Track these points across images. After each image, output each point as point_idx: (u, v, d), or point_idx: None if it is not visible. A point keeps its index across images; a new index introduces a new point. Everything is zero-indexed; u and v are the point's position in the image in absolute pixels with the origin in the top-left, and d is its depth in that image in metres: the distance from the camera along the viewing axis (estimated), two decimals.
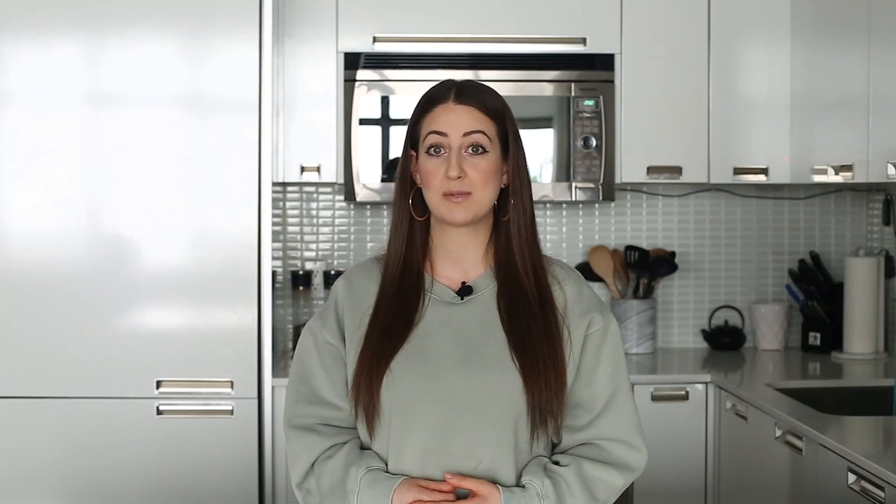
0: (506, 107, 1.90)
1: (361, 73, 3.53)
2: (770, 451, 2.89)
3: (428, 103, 1.88)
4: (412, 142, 1.90)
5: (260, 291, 3.17)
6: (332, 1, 3.56)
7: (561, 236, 3.95)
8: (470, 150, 1.84)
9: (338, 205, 3.91)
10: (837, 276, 3.89)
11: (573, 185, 3.56)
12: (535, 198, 1.95)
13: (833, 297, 3.81)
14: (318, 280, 3.84)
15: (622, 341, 2.01)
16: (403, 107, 3.54)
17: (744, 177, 3.67)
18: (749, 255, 3.99)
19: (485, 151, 1.85)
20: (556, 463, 1.86)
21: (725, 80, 3.64)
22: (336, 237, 3.92)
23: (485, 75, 3.52)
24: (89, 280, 3.14)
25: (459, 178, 1.82)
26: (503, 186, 1.89)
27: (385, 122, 3.57)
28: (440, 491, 1.78)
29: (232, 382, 3.16)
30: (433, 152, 1.85)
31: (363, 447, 1.88)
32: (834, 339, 3.77)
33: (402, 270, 1.89)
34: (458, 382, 1.81)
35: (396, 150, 3.53)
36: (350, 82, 3.53)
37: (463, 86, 1.88)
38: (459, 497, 1.79)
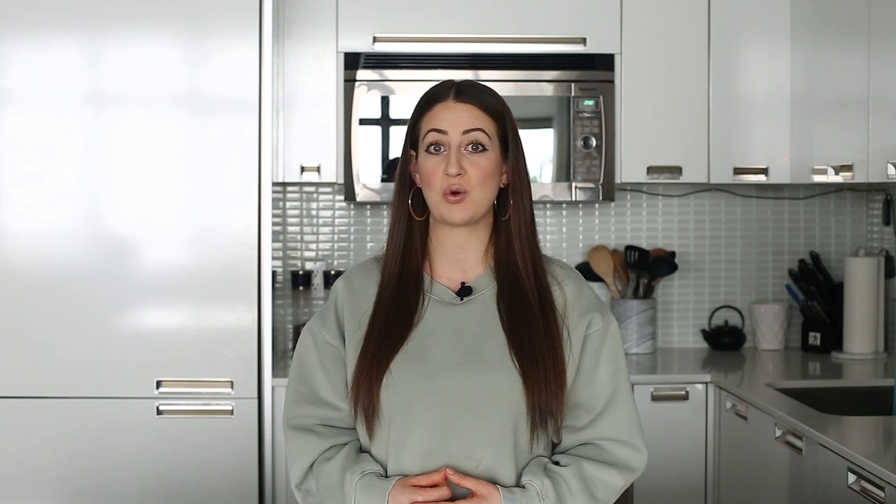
0: (505, 107, 1.90)
1: (361, 73, 3.53)
2: (770, 451, 2.89)
3: (428, 102, 1.88)
4: (412, 141, 1.90)
5: (260, 291, 3.17)
6: (332, 1, 3.56)
7: (561, 236, 3.95)
8: (470, 147, 1.84)
9: (338, 205, 3.91)
10: (837, 276, 3.89)
11: (573, 185, 3.56)
12: (534, 198, 1.96)
13: (833, 297, 3.81)
14: (318, 280, 3.84)
15: (622, 341, 2.01)
16: (403, 107, 3.54)
17: (744, 177, 3.67)
18: (749, 255, 3.99)
19: (484, 150, 1.85)
20: (556, 463, 1.86)
21: (725, 80, 3.64)
22: (336, 237, 3.92)
23: (485, 75, 3.52)
24: (89, 280, 3.14)
25: (459, 174, 1.82)
26: (503, 186, 1.89)
27: (385, 122, 3.57)
28: (434, 485, 1.78)
29: (232, 382, 3.16)
30: (433, 150, 1.85)
31: (362, 449, 1.88)
32: (834, 339, 3.77)
33: (400, 271, 1.89)
34: (457, 383, 1.81)
35: (396, 150, 3.53)
36: (350, 82, 3.53)
37: (462, 85, 1.89)
38: (458, 497, 1.79)
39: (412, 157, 1.90)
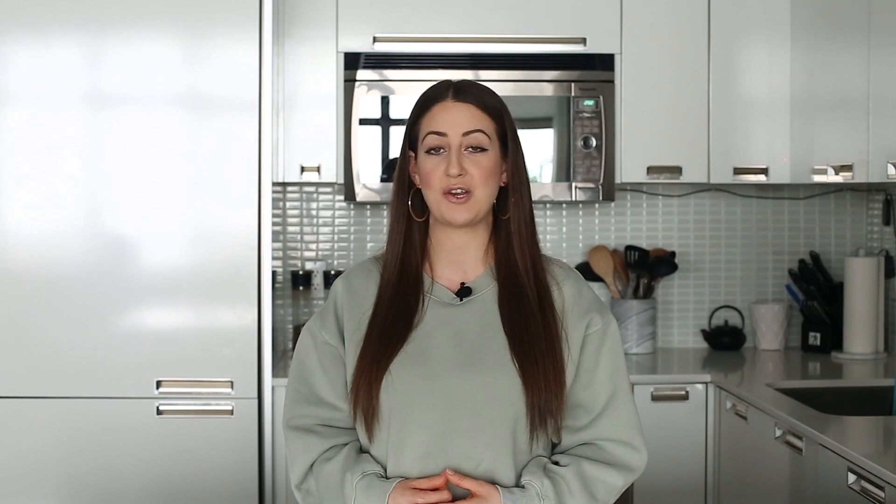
0: (504, 106, 1.90)
1: (361, 73, 3.53)
2: (770, 451, 2.89)
3: (426, 103, 1.88)
4: (410, 142, 1.90)
5: (260, 291, 3.17)
6: (332, 1, 3.56)
7: (561, 236, 3.95)
8: (470, 148, 1.84)
9: (338, 205, 3.91)
10: (837, 276, 3.89)
11: (573, 185, 3.56)
12: (534, 198, 1.95)
13: (833, 297, 3.80)
14: (318, 280, 3.84)
15: (622, 341, 2.01)
16: (403, 107, 3.53)
17: (744, 177, 3.67)
18: (749, 255, 3.99)
19: (484, 150, 1.85)
20: (556, 463, 1.86)
21: (725, 80, 3.64)
22: (336, 237, 3.92)
23: (485, 75, 3.52)
24: (89, 280, 3.14)
25: (460, 175, 1.82)
26: (503, 185, 1.89)
27: (385, 122, 3.57)
28: (435, 489, 1.78)
29: (232, 382, 3.16)
30: (433, 152, 1.85)
31: (362, 450, 1.88)
32: (834, 339, 3.77)
33: (399, 272, 1.88)
34: (457, 384, 1.81)
35: (396, 150, 3.53)
36: (350, 82, 3.53)
37: (461, 85, 1.88)
38: (458, 497, 1.79)
39: (411, 158, 1.90)
